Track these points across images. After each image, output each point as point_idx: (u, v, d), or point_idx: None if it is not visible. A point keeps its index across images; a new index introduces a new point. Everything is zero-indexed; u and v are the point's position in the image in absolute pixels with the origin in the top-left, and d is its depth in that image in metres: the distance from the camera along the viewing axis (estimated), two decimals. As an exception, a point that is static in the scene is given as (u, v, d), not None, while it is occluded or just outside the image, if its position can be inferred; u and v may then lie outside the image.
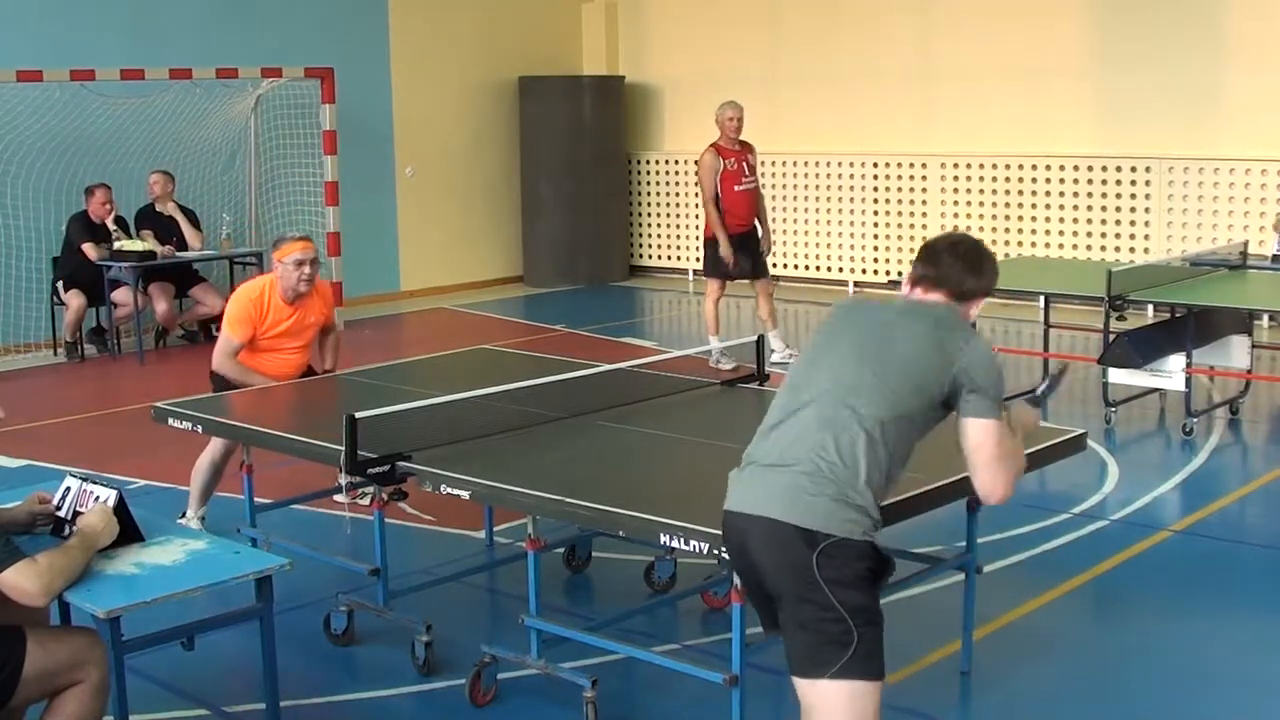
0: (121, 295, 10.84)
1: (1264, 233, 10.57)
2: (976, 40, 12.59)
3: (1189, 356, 7.74)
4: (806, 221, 13.82)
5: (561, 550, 5.70)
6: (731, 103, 9.81)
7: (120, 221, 10.92)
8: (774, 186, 13.62)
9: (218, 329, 7.74)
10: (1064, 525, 6.25)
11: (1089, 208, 12.14)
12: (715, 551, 3.61)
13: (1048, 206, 12.37)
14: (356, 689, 4.79)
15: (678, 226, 14.82)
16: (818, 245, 13.82)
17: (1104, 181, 12.03)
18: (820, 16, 13.52)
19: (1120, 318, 7.83)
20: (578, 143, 14.28)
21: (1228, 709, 4.50)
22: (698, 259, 12.33)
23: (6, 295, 10.86)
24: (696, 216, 14.08)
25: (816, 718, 3.19)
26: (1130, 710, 4.49)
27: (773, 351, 9.20)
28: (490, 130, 14.37)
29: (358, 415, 4.40)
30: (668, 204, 14.88)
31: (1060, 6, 12.21)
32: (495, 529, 6.00)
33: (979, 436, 3.25)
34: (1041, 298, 9.17)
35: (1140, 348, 7.76)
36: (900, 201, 13.22)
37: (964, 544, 4.63)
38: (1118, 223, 12.01)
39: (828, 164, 13.63)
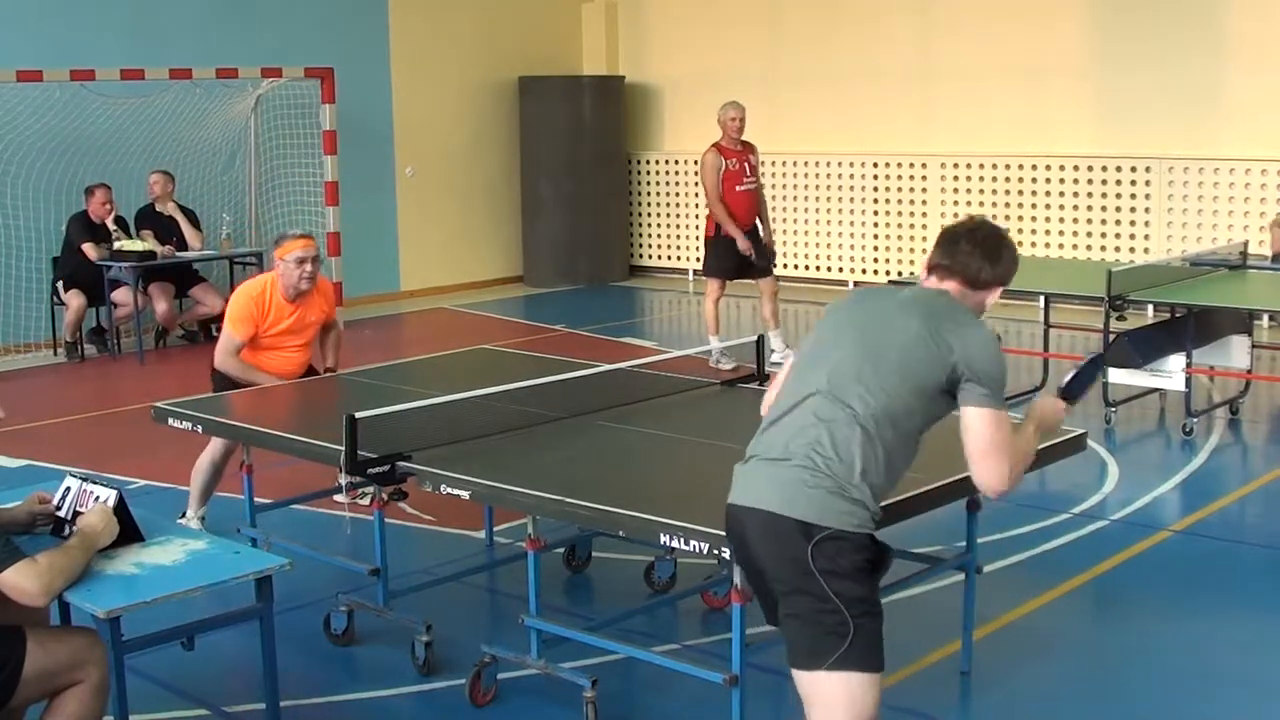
0: (121, 295, 10.84)
1: (1264, 233, 10.57)
2: (976, 40, 12.59)
3: (1189, 356, 7.75)
4: (806, 221, 13.82)
5: (561, 550, 5.70)
6: (734, 103, 9.81)
7: (120, 221, 10.92)
8: (774, 186, 13.61)
9: (218, 329, 7.75)
10: (1064, 525, 6.25)
11: (1089, 208, 12.14)
12: (715, 551, 3.61)
13: (1048, 206, 12.37)
14: (356, 689, 4.79)
15: (678, 226, 14.82)
16: (818, 245, 13.82)
17: (1104, 181, 12.03)
18: (820, 16, 13.52)
19: (1120, 318, 7.83)
20: (578, 143, 14.28)
21: (1228, 709, 4.50)
22: (698, 259, 12.33)
23: (6, 295, 10.86)
24: (696, 216, 14.11)
25: (815, 710, 3.19)
26: (1130, 710, 4.49)
27: (773, 351, 9.19)
28: (490, 130, 14.37)
29: (358, 415, 4.40)
30: (668, 204, 14.88)
31: (1060, 6, 12.21)
32: (495, 529, 6.00)
33: (974, 425, 3.21)
34: (1041, 298, 9.17)
35: (1140, 348, 7.76)
36: (900, 201, 13.22)
37: (964, 544, 4.63)
38: (1118, 223, 12.01)
39: (828, 164, 13.63)
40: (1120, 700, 4.53)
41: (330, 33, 12.77)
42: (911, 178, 13.13)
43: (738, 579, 3.72)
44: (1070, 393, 3.62)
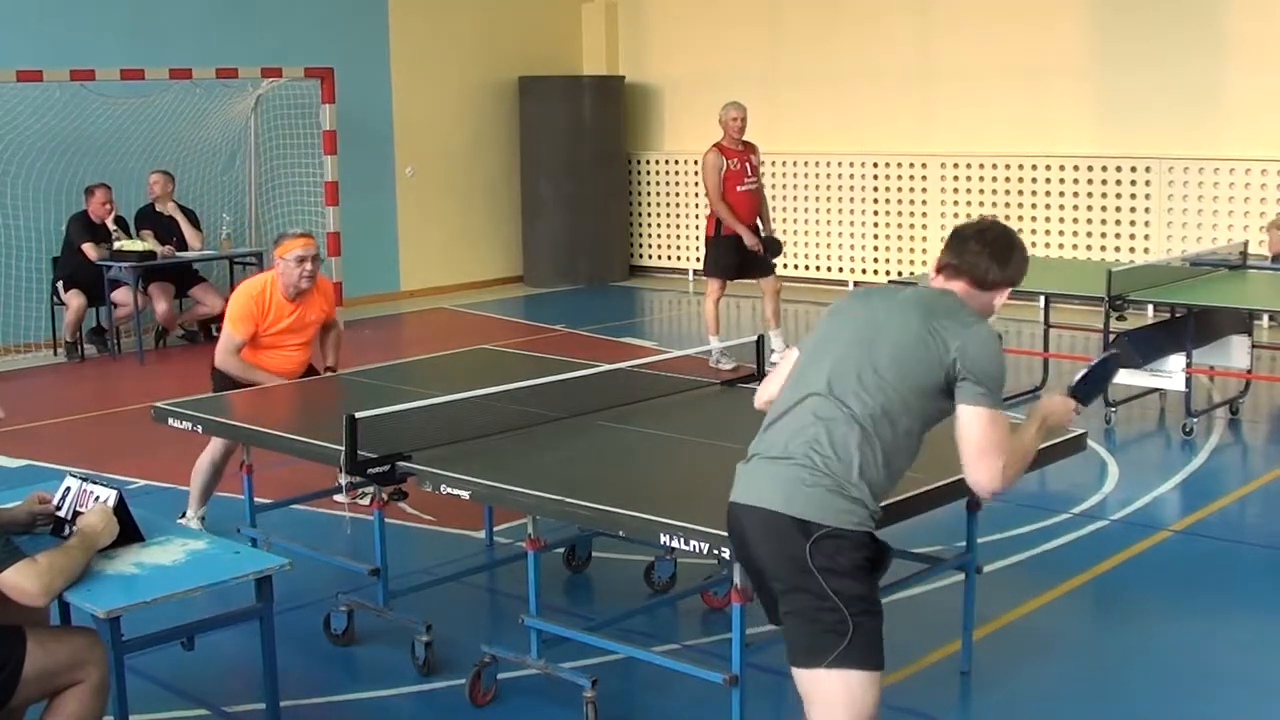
0: (121, 295, 10.84)
1: (1263, 233, 10.56)
2: (976, 40, 12.59)
3: (1189, 356, 7.75)
4: (806, 221, 13.82)
5: (561, 550, 5.70)
6: (735, 103, 9.81)
7: (120, 221, 10.92)
8: (774, 186, 13.61)
9: (218, 329, 7.75)
10: (1064, 525, 6.25)
11: (1089, 208, 12.14)
12: (715, 551, 3.61)
13: (1048, 206, 12.37)
14: (356, 689, 4.79)
15: (678, 226, 14.81)
16: (818, 245, 13.82)
17: (1104, 181, 12.03)
18: (820, 16, 13.53)
19: (1120, 318, 7.83)
20: (578, 143, 14.27)
21: (1228, 709, 4.50)
22: (698, 259, 12.33)
23: (6, 295, 10.86)
24: (697, 216, 14.11)
25: (815, 708, 3.19)
26: (1130, 710, 4.49)
27: (773, 351, 9.19)
28: (490, 130, 14.37)
29: (358, 415, 4.40)
30: (668, 204, 14.88)
31: (1060, 6, 12.21)
32: (495, 529, 6.00)
33: (968, 423, 3.19)
34: (1041, 298, 9.18)
35: (1140, 348, 7.76)
36: (900, 201, 13.22)
37: (964, 544, 4.63)
38: (1118, 223, 12.01)
39: (828, 164, 13.63)
40: (1120, 700, 4.53)
41: (330, 33, 12.77)
42: (911, 178, 13.13)
43: (738, 579, 3.72)
44: (1081, 391, 3.54)
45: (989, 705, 4.59)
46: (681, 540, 3.68)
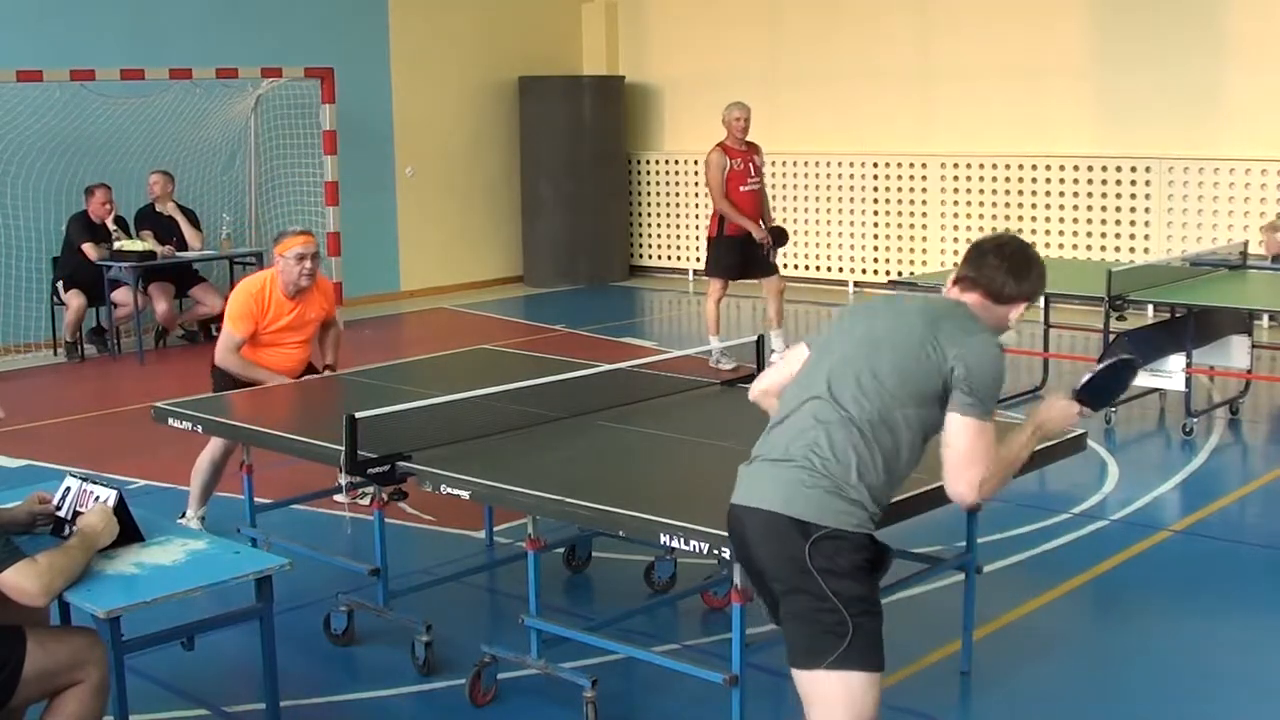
0: (121, 295, 10.84)
1: (1262, 233, 10.57)
2: (976, 40, 12.59)
3: (1189, 356, 7.75)
4: (806, 221, 13.81)
5: (561, 550, 5.70)
6: (739, 103, 9.81)
7: (120, 221, 10.92)
8: (774, 186, 13.58)
9: (218, 329, 7.74)
10: (1064, 525, 6.25)
11: (1089, 208, 12.14)
12: (715, 551, 3.61)
13: (1048, 206, 12.37)
14: (356, 689, 4.79)
15: (678, 226, 14.81)
16: (818, 245, 13.82)
17: (1104, 181, 12.03)
18: (820, 16, 13.53)
19: (1120, 318, 7.83)
20: (578, 143, 14.28)
21: (1228, 709, 4.50)
22: (698, 259, 12.34)
23: (6, 295, 10.86)
24: (697, 216, 14.12)
25: (814, 710, 3.19)
26: (1130, 710, 4.49)
27: (773, 351, 9.18)
28: (490, 130, 14.37)
29: (358, 415, 4.40)
30: (668, 204, 14.88)
31: (1060, 6, 12.21)
32: (495, 529, 6.00)
33: (952, 432, 3.20)
34: (1041, 298, 9.15)
35: (1140, 348, 7.75)
36: (900, 201, 13.22)
37: (964, 544, 4.63)
38: (1118, 223, 12.01)
39: (828, 164, 13.63)
40: (1120, 700, 4.53)
41: (330, 33, 12.77)
42: (911, 178, 13.13)
43: (738, 579, 3.73)
44: (1086, 395, 3.41)
45: (989, 705, 4.59)
46: (681, 540, 3.68)
